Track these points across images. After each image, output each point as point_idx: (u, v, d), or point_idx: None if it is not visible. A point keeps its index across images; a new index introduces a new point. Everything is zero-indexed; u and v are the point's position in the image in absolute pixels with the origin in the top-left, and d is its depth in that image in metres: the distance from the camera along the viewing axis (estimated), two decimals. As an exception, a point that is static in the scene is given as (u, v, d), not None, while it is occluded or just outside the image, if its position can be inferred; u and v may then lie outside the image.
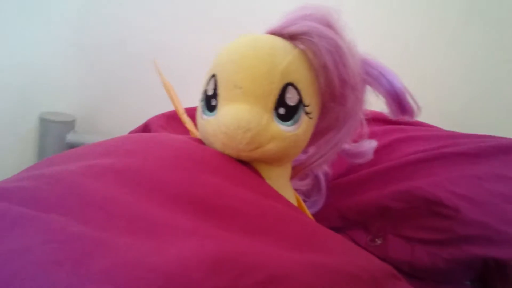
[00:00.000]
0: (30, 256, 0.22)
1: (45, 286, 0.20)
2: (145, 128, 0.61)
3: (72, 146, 0.89)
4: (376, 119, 0.47)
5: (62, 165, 0.32)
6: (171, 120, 0.62)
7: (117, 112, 0.99)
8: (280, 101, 0.35)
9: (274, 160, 0.37)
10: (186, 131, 0.50)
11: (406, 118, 0.40)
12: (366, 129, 0.44)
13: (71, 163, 0.32)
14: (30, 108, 0.91)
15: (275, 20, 0.37)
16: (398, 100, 0.39)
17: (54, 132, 0.90)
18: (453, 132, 0.56)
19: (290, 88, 0.35)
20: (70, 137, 0.90)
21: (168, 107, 0.60)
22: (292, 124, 0.35)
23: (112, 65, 0.96)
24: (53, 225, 0.24)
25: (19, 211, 0.25)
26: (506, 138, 0.51)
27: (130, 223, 0.26)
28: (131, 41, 0.94)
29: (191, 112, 0.45)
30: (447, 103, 0.81)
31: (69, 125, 0.92)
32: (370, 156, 0.47)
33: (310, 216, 0.44)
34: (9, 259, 0.22)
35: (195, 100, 0.40)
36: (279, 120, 0.35)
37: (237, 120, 0.33)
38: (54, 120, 0.89)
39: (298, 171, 0.44)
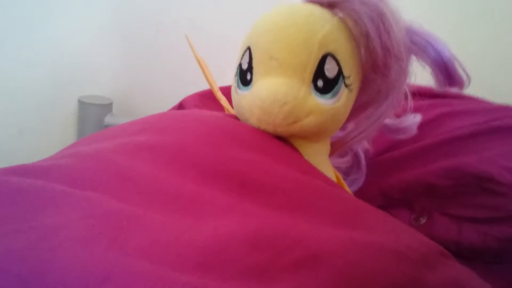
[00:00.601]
0: (67, 231, 0.22)
1: (82, 261, 0.20)
2: (180, 107, 0.61)
3: (110, 128, 0.91)
4: (420, 93, 0.44)
5: (98, 144, 0.32)
6: (205, 99, 0.61)
7: (153, 94, 1.00)
8: (319, 72, 0.33)
9: (312, 135, 0.35)
10: (221, 109, 0.49)
11: (454, 90, 0.38)
12: (410, 102, 0.42)
13: (106, 141, 0.32)
14: (69, 91, 0.93)
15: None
16: (446, 70, 0.36)
17: (92, 115, 0.92)
18: (504, 105, 0.52)
19: (329, 59, 0.33)
20: (108, 120, 0.92)
21: (203, 88, 0.60)
22: (331, 97, 0.33)
23: (148, 49, 0.97)
24: (89, 201, 0.24)
25: (55, 188, 0.25)
26: None
27: (166, 199, 0.25)
28: (167, 25, 0.94)
29: (226, 91, 0.44)
30: (499, 75, 0.76)
31: (107, 108, 0.93)
32: (414, 131, 0.44)
33: (350, 193, 0.42)
34: (46, 234, 0.22)
35: (230, 80, 0.39)
36: (318, 93, 0.33)
37: (273, 94, 0.32)
38: (93, 103, 0.91)
39: (337, 148, 0.42)
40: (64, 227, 0.22)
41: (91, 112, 0.91)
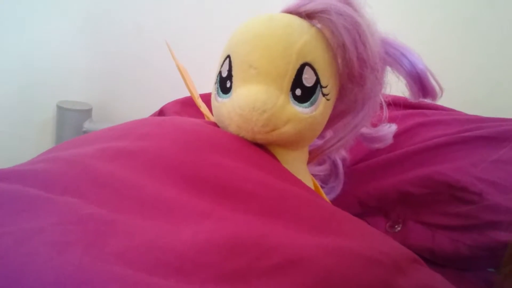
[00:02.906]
0: (43, 237, 0.22)
1: (58, 266, 0.20)
2: (160, 114, 0.61)
3: (89, 134, 0.90)
4: (396, 103, 0.46)
5: (77, 149, 0.32)
6: (186, 106, 0.61)
7: (133, 100, 0.99)
8: (297, 81, 0.34)
9: (290, 143, 0.36)
10: (201, 117, 0.49)
11: (428, 100, 0.39)
12: (385, 112, 0.43)
13: (85, 146, 0.32)
14: (47, 97, 0.92)
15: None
16: (419, 81, 0.37)
17: (71, 121, 0.91)
18: (476, 116, 0.54)
19: (307, 69, 0.34)
20: (87, 126, 0.91)
21: (183, 95, 0.60)
22: (309, 106, 0.34)
23: (128, 54, 0.97)
24: (67, 207, 0.24)
25: (33, 194, 0.25)
26: None
27: (145, 205, 0.25)
28: (147, 29, 0.94)
29: (206, 98, 0.45)
30: (470, 88, 0.78)
31: (86, 113, 0.92)
32: (389, 140, 0.45)
33: (328, 201, 0.43)
34: (23, 239, 0.21)
35: (210, 87, 0.39)
36: (296, 102, 0.34)
37: (252, 101, 0.32)
38: (71, 109, 0.90)
39: (315, 156, 0.43)
40: (41, 232, 0.22)
41: (70, 118, 0.90)
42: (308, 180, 0.40)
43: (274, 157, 0.35)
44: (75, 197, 0.25)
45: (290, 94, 0.34)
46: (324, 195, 0.43)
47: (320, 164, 0.49)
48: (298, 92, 0.34)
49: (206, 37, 0.90)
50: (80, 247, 0.21)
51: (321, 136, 0.45)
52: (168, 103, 0.62)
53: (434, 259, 0.43)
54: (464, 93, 0.69)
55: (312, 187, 0.40)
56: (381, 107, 0.43)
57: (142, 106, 0.81)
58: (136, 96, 0.99)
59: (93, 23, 0.95)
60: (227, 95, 0.35)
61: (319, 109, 0.35)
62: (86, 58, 0.96)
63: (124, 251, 0.21)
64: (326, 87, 0.35)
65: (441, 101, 0.40)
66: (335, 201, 0.48)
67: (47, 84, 0.92)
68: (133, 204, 0.25)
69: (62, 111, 0.90)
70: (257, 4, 0.83)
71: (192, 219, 0.25)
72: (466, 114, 0.55)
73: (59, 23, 0.91)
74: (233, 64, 0.34)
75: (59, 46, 0.92)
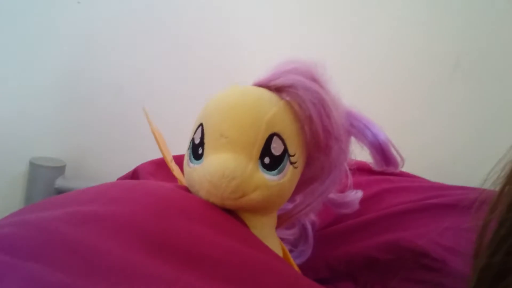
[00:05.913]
0: None
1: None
2: (134, 174, 0.61)
3: (61, 191, 0.89)
4: (361, 169, 0.48)
5: (45, 212, 0.32)
6: (160, 167, 0.62)
7: (107, 158, 0.99)
8: (266, 150, 0.35)
9: (259, 208, 0.37)
10: (175, 178, 0.50)
11: (390, 170, 0.41)
12: (350, 179, 0.45)
13: (54, 209, 0.32)
14: (20, 152, 0.91)
15: (263, 72, 0.39)
16: (382, 151, 0.40)
17: (43, 177, 0.89)
18: (438, 183, 0.57)
19: (276, 138, 0.36)
20: (59, 183, 0.90)
21: (159, 155, 0.61)
22: (277, 174, 0.36)
23: (103, 111, 0.98)
24: (31, 273, 0.24)
25: None
26: (489, 190, 0.52)
27: (110, 272, 0.26)
28: (123, 87, 0.96)
29: (181, 160, 0.46)
30: (433, 154, 0.82)
31: (59, 170, 0.92)
32: (356, 206, 0.47)
33: (296, 267, 0.43)
34: None
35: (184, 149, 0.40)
36: (264, 170, 0.35)
37: (222, 169, 0.33)
38: (44, 165, 0.89)
39: (284, 220, 0.44)
40: None
41: (42, 174, 0.89)
42: (277, 245, 0.40)
43: (243, 222, 0.36)
44: (40, 264, 0.25)
45: (259, 162, 0.35)
46: (292, 260, 0.44)
47: (289, 228, 0.49)
48: (266, 160, 0.35)
49: (183, 101, 0.92)
50: (41, 317, 0.21)
51: (292, 199, 0.46)
52: (143, 164, 0.63)
53: (401, 327, 0.43)
54: (427, 159, 0.73)
55: (281, 253, 0.41)
56: (347, 174, 0.45)
57: (116, 164, 0.81)
58: (111, 154, 0.99)
59: (72, 79, 0.96)
60: (199, 161, 0.36)
61: (286, 176, 0.36)
62: (61, 114, 0.96)
63: None
64: (293, 155, 0.37)
65: (406, 166, 0.43)
66: (304, 265, 0.48)
67: (20, 139, 0.92)
68: (99, 271, 0.25)
69: (34, 167, 0.89)
70: (231, 76, 0.87)
71: (157, 286, 0.25)
72: (429, 181, 0.58)
73: (34, 79, 0.92)
74: (205, 132, 0.36)
75: (34, 101, 0.93)
